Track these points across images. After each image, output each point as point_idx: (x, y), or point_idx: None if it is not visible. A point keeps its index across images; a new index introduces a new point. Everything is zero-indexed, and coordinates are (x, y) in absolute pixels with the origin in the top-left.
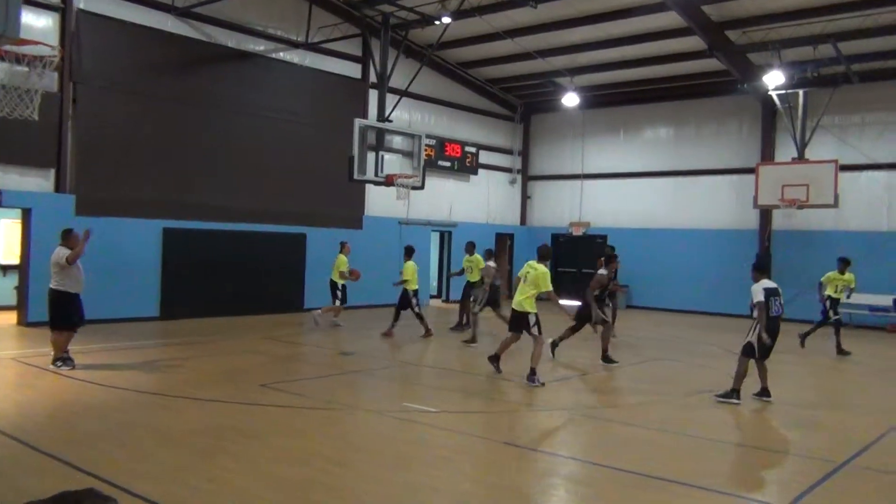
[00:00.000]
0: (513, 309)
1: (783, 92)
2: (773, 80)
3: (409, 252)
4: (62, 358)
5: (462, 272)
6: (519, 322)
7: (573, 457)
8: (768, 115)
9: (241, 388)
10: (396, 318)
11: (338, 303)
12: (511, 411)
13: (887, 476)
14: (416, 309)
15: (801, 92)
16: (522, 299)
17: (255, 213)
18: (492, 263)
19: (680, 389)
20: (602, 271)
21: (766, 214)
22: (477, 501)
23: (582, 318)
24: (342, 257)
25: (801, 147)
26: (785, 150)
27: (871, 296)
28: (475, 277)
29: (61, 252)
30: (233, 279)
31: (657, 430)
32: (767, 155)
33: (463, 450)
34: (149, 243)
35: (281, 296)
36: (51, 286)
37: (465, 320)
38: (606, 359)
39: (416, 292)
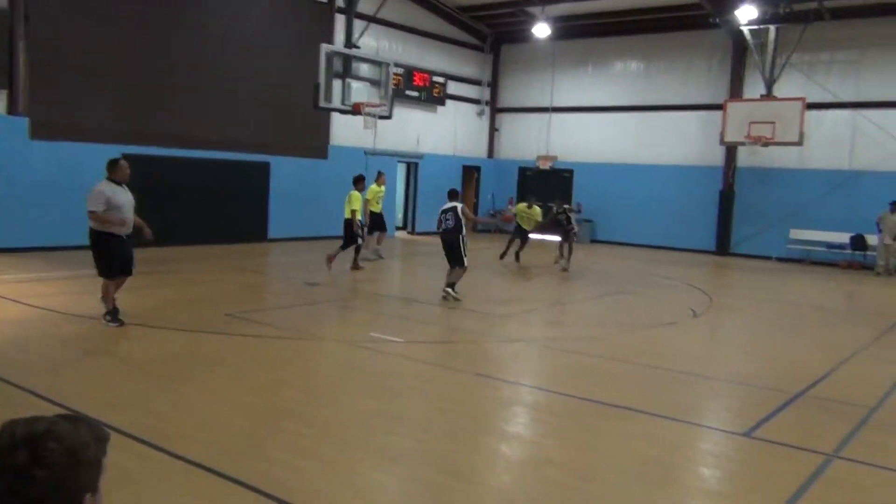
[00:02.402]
0: None
1: (755, 27)
2: (745, 14)
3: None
4: (110, 311)
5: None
6: None
7: (537, 386)
8: (739, 50)
9: (207, 317)
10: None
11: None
12: (475, 342)
13: (838, 405)
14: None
15: (772, 28)
16: None
17: (217, 140)
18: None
19: (641, 321)
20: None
21: (731, 151)
22: (442, 428)
23: None
24: (375, 187)
25: (770, 84)
26: (753, 86)
27: (828, 233)
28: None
29: (91, 190)
30: (195, 207)
31: (618, 360)
32: (736, 91)
33: (429, 379)
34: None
35: (245, 225)
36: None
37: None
38: None
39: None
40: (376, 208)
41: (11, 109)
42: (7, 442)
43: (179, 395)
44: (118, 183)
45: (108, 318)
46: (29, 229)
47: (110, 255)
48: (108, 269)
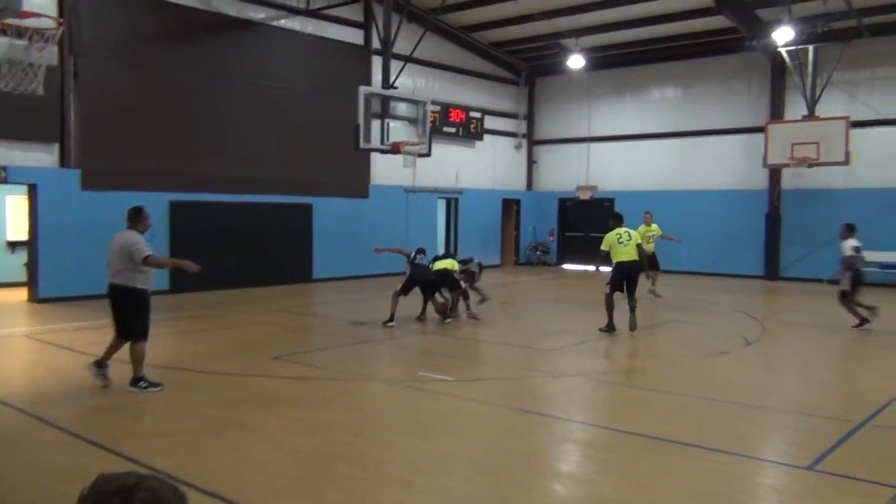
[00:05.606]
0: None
1: (793, 48)
2: (783, 36)
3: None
4: (144, 377)
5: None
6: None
7: (588, 422)
8: (777, 72)
9: (255, 361)
10: None
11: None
12: (524, 378)
13: None
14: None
15: (811, 48)
16: None
17: (260, 183)
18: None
19: (693, 351)
20: None
21: (775, 174)
22: (496, 468)
23: None
24: (644, 228)
25: (812, 104)
26: (795, 107)
27: (882, 253)
28: None
29: (131, 240)
30: (241, 251)
31: (672, 392)
32: (777, 113)
33: (480, 417)
34: (156, 216)
35: (289, 267)
36: (114, 282)
37: None
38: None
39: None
40: (649, 248)
41: (64, 162)
42: (102, 491)
43: (232, 441)
44: (142, 232)
45: (144, 384)
46: (81, 278)
47: (148, 314)
48: (147, 330)
